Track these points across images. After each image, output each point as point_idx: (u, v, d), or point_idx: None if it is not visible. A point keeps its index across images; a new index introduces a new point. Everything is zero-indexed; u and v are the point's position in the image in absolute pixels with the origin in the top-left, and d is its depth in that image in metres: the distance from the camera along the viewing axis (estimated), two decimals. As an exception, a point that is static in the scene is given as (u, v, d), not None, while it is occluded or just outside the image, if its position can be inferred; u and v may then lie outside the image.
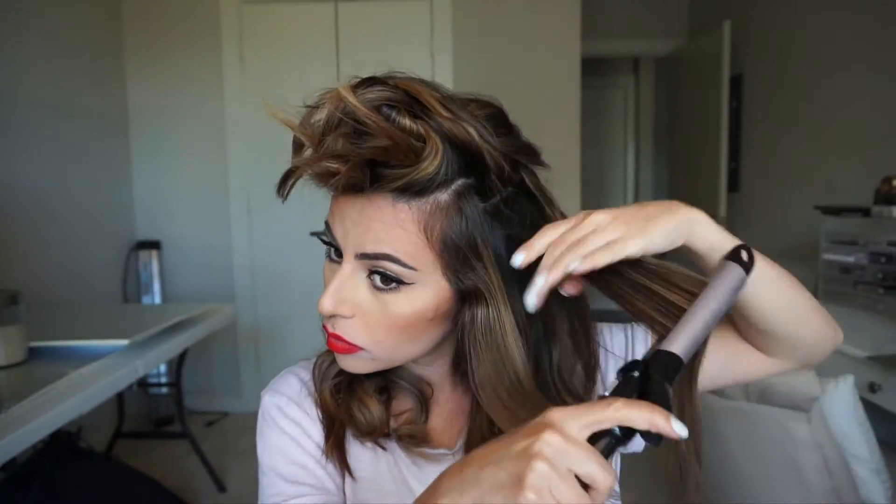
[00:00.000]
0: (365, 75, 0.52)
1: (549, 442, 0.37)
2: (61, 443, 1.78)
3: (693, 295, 0.49)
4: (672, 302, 0.50)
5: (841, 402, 1.29)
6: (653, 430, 0.38)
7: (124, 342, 1.54)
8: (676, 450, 0.48)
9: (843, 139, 2.68)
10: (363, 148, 0.47)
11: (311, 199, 0.57)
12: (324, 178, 0.50)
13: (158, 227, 3.15)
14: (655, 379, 0.41)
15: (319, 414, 0.62)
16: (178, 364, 2.53)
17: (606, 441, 0.39)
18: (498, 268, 0.52)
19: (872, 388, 1.57)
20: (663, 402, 0.39)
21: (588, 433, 0.38)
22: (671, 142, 4.45)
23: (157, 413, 3.09)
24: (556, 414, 0.39)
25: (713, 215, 0.52)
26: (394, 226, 0.50)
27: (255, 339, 3.21)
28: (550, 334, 0.56)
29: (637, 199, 5.64)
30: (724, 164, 3.45)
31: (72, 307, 2.32)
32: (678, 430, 0.38)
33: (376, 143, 0.47)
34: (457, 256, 0.51)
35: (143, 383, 2.99)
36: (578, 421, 0.38)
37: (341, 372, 0.61)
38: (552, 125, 3.09)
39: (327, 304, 0.53)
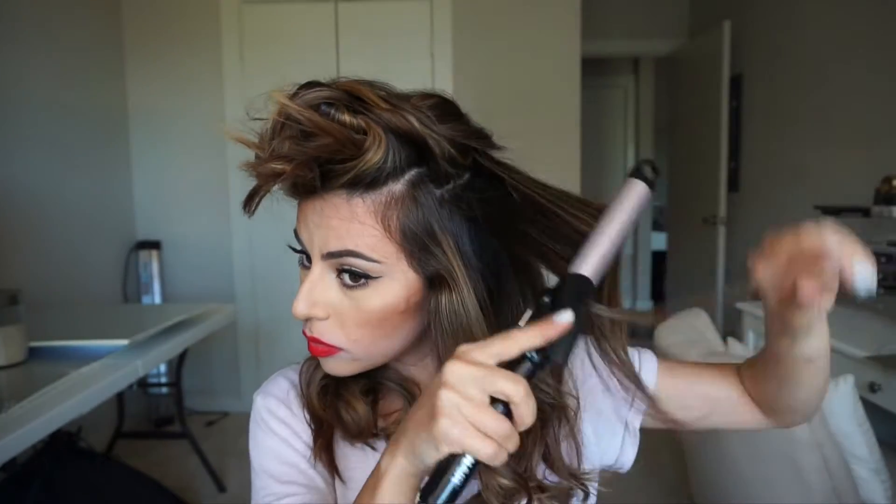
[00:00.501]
0: (364, 75, 0.52)
1: (452, 371, 0.41)
2: (61, 443, 1.78)
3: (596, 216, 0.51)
4: (578, 230, 0.53)
5: (841, 402, 1.30)
6: (545, 341, 0.42)
7: (124, 342, 1.54)
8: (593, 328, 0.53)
9: (844, 139, 2.68)
10: (307, 147, 0.49)
11: (289, 198, 0.57)
12: (271, 179, 0.52)
13: (158, 227, 3.15)
14: (565, 302, 0.45)
15: (306, 416, 0.62)
16: (178, 364, 2.53)
17: (525, 367, 0.43)
18: (459, 253, 0.52)
19: (872, 388, 1.56)
20: (566, 318, 0.44)
21: (494, 361, 0.41)
22: (671, 142, 4.45)
23: (157, 413, 3.09)
24: (462, 347, 0.42)
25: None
26: (351, 221, 0.51)
27: (255, 339, 3.21)
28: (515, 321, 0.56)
29: (637, 199, 5.65)
30: (724, 164, 3.45)
31: (72, 307, 2.33)
32: (558, 318, 0.43)
33: (319, 141, 0.48)
34: (417, 244, 0.52)
35: (143, 383, 2.99)
36: (483, 351, 0.42)
37: (328, 374, 0.61)
38: (552, 125, 3.09)
39: (300, 307, 0.55)
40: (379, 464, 0.47)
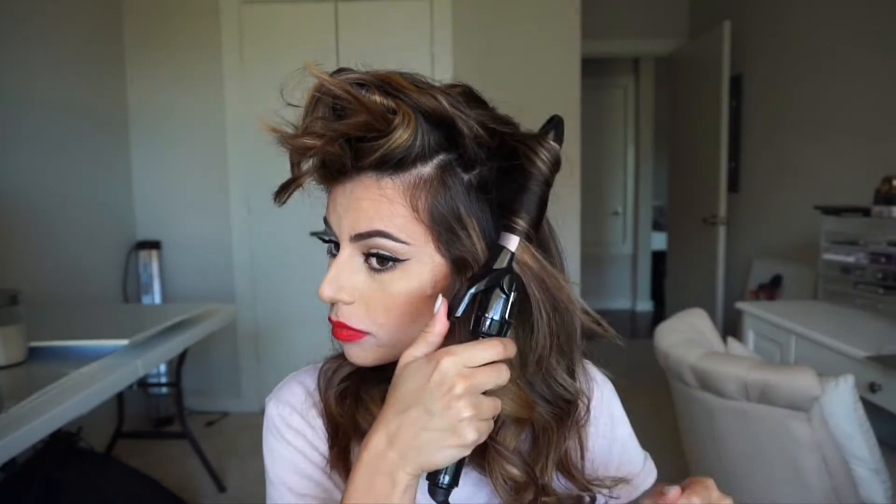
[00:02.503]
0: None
1: (458, 394, 0.45)
2: (61, 443, 1.78)
3: None
4: None
5: (841, 402, 1.29)
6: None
7: (124, 342, 1.54)
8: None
9: (843, 139, 2.68)
10: (339, 125, 0.50)
11: (310, 199, 0.57)
12: (303, 153, 0.53)
13: (158, 227, 3.15)
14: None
15: (324, 424, 0.61)
16: (178, 364, 2.53)
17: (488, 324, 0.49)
18: (485, 238, 0.53)
19: (872, 388, 1.56)
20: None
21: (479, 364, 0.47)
22: (671, 142, 4.45)
23: (157, 413, 3.09)
24: (445, 363, 0.46)
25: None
26: (380, 201, 0.52)
27: (255, 339, 3.21)
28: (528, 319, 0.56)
29: (637, 198, 5.64)
30: (724, 164, 3.45)
31: (72, 307, 2.33)
32: (436, 304, 0.50)
33: (350, 119, 0.50)
34: (444, 227, 0.52)
35: (143, 383, 2.99)
36: (468, 361, 0.46)
37: (347, 378, 0.61)
38: (552, 125, 3.08)
39: (327, 290, 0.54)
40: (378, 480, 0.47)
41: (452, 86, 0.55)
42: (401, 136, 0.49)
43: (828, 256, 2.16)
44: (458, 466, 0.48)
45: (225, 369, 3.23)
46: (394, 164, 0.51)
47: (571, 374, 0.60)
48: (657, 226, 5.77)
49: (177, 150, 3.14)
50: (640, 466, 0.71)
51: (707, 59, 3.58)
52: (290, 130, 0.54)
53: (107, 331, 1.68)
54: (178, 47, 3.08)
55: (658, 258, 5.43)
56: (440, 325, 0.49)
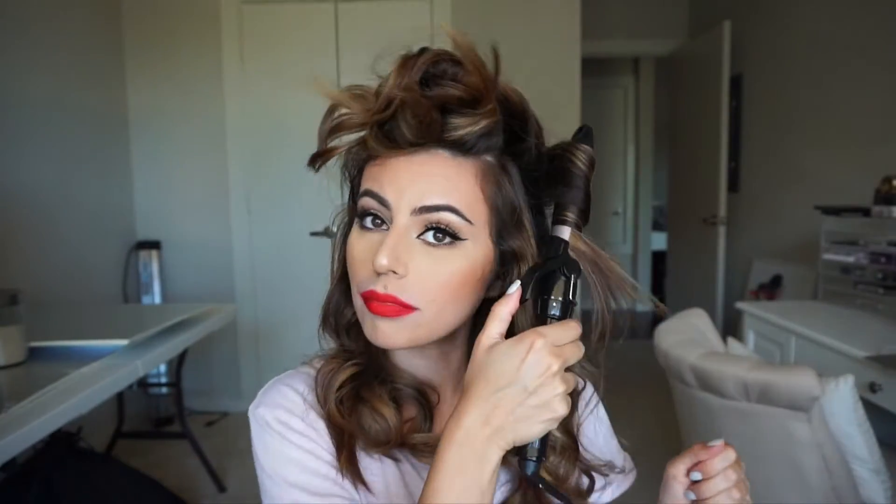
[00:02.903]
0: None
1: (553, 372, 0.48)
2: (61, 443, 1.78)
3: None
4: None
5: (841, 402, 1.29)
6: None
7: (124, 342, 1.54)
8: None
9: (843, 139, 2.68)
10: (431, 93, 0.51)
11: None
12: (394, 104, 0.51)
13: (158, 227, 3.15)
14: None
15: (326, 427, 0.59)
16: (178, 364, 2.53)
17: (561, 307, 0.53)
18: (534, 234, 0.57)
19: (872, 388, 1.56)
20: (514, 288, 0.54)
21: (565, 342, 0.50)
22: (671, 142, 4.45)
23: (157, 413, 3.09)
24: (538, 343, 0.48)
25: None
26: (457, 179, 0.53)
27: (255, 339, 3.21)
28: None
29: (637, 198, 5.65)
30: (724, 164, 3.45)
31: (72, 307, 2.33)
32: (511, 288, 0.53)
33: (449, 90, 0.50)
34: (503, 217, 0.55)
35: (143, 383, 2.99)
36: (557, 341, 0.49)
37: (346, 382, 0.59)
38: (552, 125, 3.08)
39: (384, 260, 0.52)
40: (458, 462, 0.49)
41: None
42: (488, 120, 0.51)
43: (828, 256, 2.16)
44: (545, 439, 0.51)
45: (225, 369, 3.23)
46: (469, 146, 0.52)
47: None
48: (657, 226, 5.77)
49: (177, 149, 3.14)
50: (621, 462, 0.74)
51: (707, 59, 3.58)
52: (348, 94, 0.54)
53: (107, 331, 1.68)
54: (178, 47, 3.08)
55: (658, 258, 5.43)
56: (512, 304, 0.52)
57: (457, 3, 3.04)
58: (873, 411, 1.46)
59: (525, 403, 0.48)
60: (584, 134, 0.58)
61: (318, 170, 0.57)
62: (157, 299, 3.09)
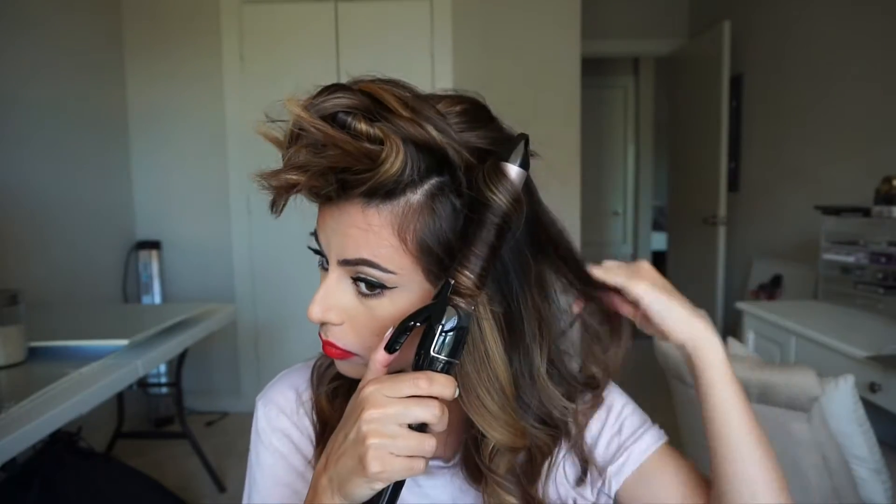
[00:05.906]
0: (365, 74, 0.51)
1: (367, 420, 0.44)
2: (61, 443, 1.78)
3: None
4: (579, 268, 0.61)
5: (841, 402, 1.29)
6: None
7: (124, 342, 1.54)
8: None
9: (843, 139, 2.68)
10: (324, 157, 0.47)
11: (310, 201, 0.56)
12: (287, 191, 0.50)
13: (158, 227, 3.15)
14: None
15: (311, 424, 0.62)
16: (178, 364, 2.53)
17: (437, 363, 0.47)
18: None
19: (872, 388, 1.56)
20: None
21: (407, 394, 0.45)
22: (671, 142, 4.45)
23: (157, 413, 3.09)
24: (367, 389, 0.46)
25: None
26: (367, 231, 0.50)
27: (255, 339, 3.21)
28: (523, 341, 0.56)
29: (637, 199, 5.64)
30: (724, 164, 3.45)
31: (72, 307, 2.33)
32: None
33: (335, 151, 0.47)
34: (433, 258, 0.50)
35: (143, 383, 2.99)
36: (389, 391, 0.45)
37: (340, 376, 0.61)
38: (552, 125, 3.09)
39: (315, 311, 0.54)
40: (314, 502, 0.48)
41: (453, 101, 0.52)
42: (388, 169, 0.46)
43: (828, 256, 2.16)
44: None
45: (225, 369, 3.23)
46: (382, 193, 0.49)
47: (571, 397, 0.62)
48: (657, 226, 5.77)
49: (177, 150, 3.14)
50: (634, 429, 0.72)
51: (707, 59, 3.58)
52: (281, 137, 0.51)
53: (107, 331, 1.68)
54: (177, 47, 3.08)
55: (658, 258, 5.43)
56: (380, 354, 0.48)
57: (457, 3, 3.04)
58: (873, 411, 1.46)
59: (344, 452, 0.46)
60: (515, 148, 0.48)
61: (279, 215, 0.54)
62: (157, 299, 3.09)
